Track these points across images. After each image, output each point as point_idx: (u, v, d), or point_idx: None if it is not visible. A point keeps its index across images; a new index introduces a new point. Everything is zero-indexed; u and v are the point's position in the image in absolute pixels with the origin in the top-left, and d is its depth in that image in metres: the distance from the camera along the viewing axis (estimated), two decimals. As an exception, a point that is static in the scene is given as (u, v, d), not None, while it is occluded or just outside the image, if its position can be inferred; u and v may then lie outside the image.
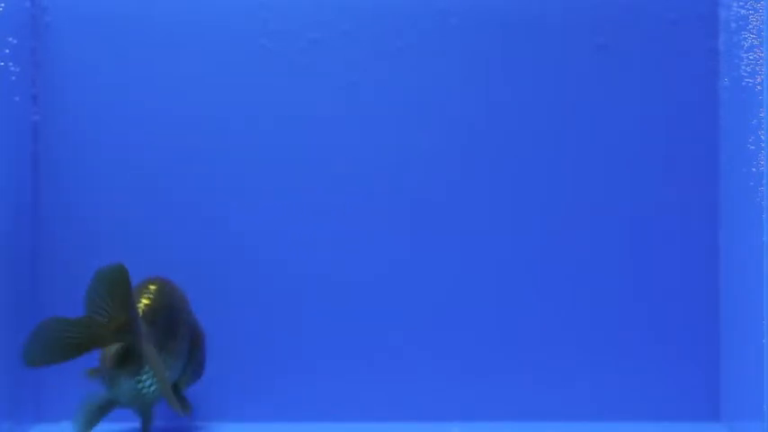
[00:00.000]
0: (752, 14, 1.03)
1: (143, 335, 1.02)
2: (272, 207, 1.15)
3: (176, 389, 1.10)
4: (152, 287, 1.07)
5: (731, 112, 1.09)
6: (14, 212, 1.11)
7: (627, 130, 1.14)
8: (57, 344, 0.99)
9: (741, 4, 1.06)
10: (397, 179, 1.15)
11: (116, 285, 0.99)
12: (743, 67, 1.05)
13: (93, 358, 1.04)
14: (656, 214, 1.14)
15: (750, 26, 1.03)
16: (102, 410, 1.06)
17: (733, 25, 1.09)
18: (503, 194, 1.15)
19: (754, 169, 1.01)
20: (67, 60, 1.15)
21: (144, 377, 1.04)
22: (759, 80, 1.00)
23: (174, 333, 1.07)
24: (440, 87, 1.15)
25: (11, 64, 1.09)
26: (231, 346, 1.14)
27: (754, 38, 1.02)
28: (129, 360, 1.02)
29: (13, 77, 1.10)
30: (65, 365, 1.00)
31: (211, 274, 1.15)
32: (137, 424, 1.13)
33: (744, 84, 1.04)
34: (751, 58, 1.02)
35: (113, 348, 1.02)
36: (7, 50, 1.08)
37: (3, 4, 1.07)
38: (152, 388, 1.05)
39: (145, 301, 1.06)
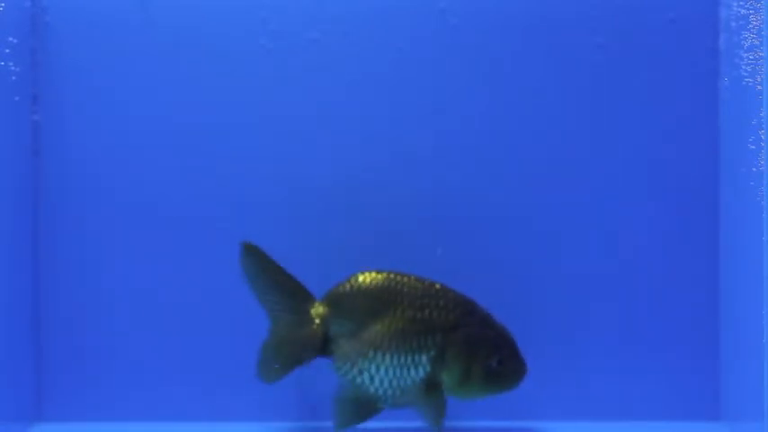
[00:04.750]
0: (752, 14, 1.03)
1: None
2: (271, 206, 1.15)
3: (434, 387, 1.06)
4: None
5: (731, 112, 1.09)
6: (14, 213, 1.11)
7: (626, 130, 1.14)
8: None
9: (741, 3, 1.06)
10: (397, 179, 1.15)
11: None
12: (743, 67, 1.05)
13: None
14: (656, 214, 1.14)
15: (750, 26, 1.03)
16: (357, 408, 1.06)
17: (733, 25, 1.09)
18: (502, 194, 1.15)
19: (754, 169, 1.01)
20: (67, 60, 1.15)
21: (343, 364, 1.05)
22: (759, 80, 1.00)
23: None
24: (440, 87, 1.15)
25: (11, 64, 1.09)
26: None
27: (754, 37, 1.02)
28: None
29: (13, 77, 1.10)
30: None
31: (210, 273, 1.15)
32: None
33: (744, 84, 1.04)
34: (751, 57, 1.02)
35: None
36: (7, 50, 1.08)
37: (3, 4, 1.07)
38: (371, 382, 1.04)
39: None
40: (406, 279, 1.06)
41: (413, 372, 1.04)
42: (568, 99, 1.15)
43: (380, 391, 1.05)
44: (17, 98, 1.11)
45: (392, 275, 1.06)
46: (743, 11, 1.05)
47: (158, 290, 1.15)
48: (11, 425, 1.09)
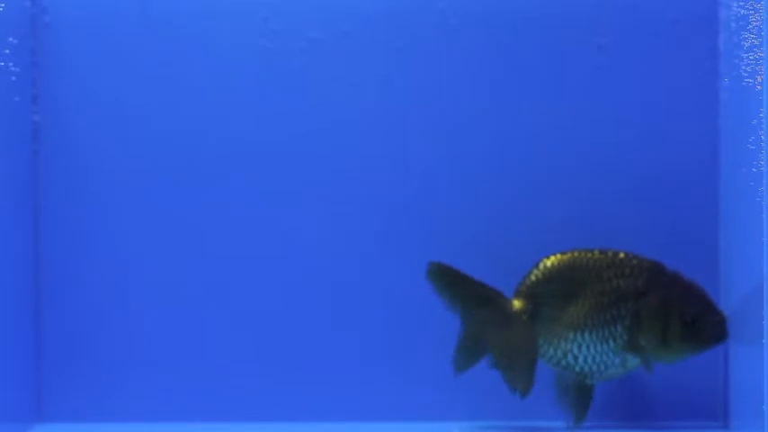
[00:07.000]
0: (752, 14, 1.02)
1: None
2: (270, 206, 1.15)
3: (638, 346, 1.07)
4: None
5: (731, 112, 1.09)
6: (14, 212, 1.11)
7: (627, 131, 1.14)
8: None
9: (741, 3, 1.06)
10: (397, 179, 1.15)
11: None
12: (743, 67, 1.05)
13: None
14: (656, 214, 1.14)
15: (750, 26, 1.03)
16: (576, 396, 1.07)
17: (733, 25, 1.09)
18: (502, 194, 1.15)
19: (754, 169, 1.01)
20: (67, 60, 1.15)
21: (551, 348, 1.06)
22: (759, 80, 1.00)
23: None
24: (440, 87, 1.15)
25: (11, 64, 1.09)
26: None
27: (754, 38, 1.02)
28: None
29: (13, 77, 1.10)
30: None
31: (210, 273, 1.15)
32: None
33: (744, 84, 1.04)
34: (751, 58, 1.02)
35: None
36: (7, 50, 1.08)
37: (3, 4, 1.07)
38: (576, 362, 1.06)
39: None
40: (589, 254, 1.07)
41: (612, 343, 1.06)
42: (568, 99, 1.15)
43: (586, 368, 1.07)
44: (17, 98, 1.11)
45: (575, 253, 1.07)
46: (743, 11, 1.05)
47: (158, 290, 1.15)
48: (11, 425, 1.09)
